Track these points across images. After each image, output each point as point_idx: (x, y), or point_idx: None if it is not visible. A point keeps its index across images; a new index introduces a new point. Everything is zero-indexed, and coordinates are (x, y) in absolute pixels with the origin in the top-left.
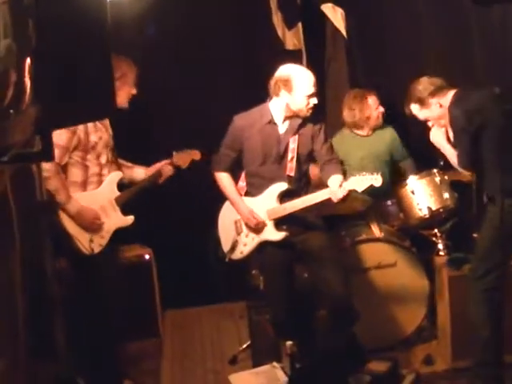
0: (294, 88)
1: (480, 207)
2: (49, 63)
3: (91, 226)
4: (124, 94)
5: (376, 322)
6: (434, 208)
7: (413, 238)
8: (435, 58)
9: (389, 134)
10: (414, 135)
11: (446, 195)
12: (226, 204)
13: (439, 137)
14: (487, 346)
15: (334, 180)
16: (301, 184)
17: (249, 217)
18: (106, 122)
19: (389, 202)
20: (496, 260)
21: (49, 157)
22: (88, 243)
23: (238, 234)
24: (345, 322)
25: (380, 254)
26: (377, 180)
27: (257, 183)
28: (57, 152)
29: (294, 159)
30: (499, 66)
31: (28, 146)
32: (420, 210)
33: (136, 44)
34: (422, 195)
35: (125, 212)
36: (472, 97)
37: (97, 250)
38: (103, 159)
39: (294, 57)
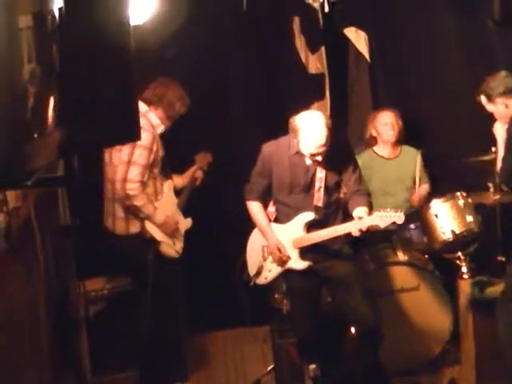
0: (300, 140)
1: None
2: (72, 88)
3: (174, 232)
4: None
5: (399, 345)
6: (457, 231)
7: (436, 261)
8: (457, 81)
9: (414, 157)
10: (438, 156)
11: (470, 218)
12: (257, 229)
13: (499, 133)
14: None
15: (359, 212)
16: (328, 213)
17: (274, 249)
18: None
19: (412, 226)
20: None
21: (72, 181)
22: (173, 247)
23: (264, 259)
24: (372, 346)
25: (403, 278)
26: (399, 218)
27: (284, 211)
28: (140, 171)
29: (322, 189)
30: None
31: (52, 170)
32: (443, 233)
33: (157, 66)
34: (445, 218)
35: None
36: None
37: (181, 252)
38: (161, 169)
39: (317, 80)
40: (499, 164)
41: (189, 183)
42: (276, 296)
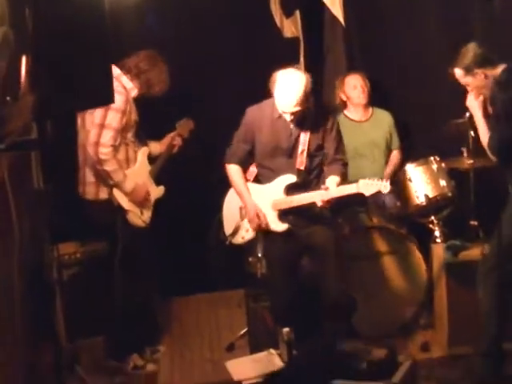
0: (276, 96)
1: (495, 200)
2: (46, 51)
3: (143, 201)
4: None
5: (373, 310)
6: (430, 195)
7: (410, 225)
8: (435, 45)
9: (387, 119)
10: (413, 121)
11: (443, 183)
12: (232, 189)
13: (475, 106)
14: (491, 335)
15: (329, 182)
16: (311, 178)
17: (253, 214)
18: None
19: (385, 190)
20: None
21: (45, 145)
22: (140, 216)
23: (242, 219)
24: (341, 315)
25: (378, 242)
26: (385, 187)
27: (266, 174)
28: (113, 134)
29: (305, 153)
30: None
31: (25, 133)
32: (417, 197)
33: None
34: (419, 183)
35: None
36: None
37: (147, 221)
38: (135, 135)
39: (291, 44)
40: (483, 136)
41: (166, 150)
42: (250, 260)
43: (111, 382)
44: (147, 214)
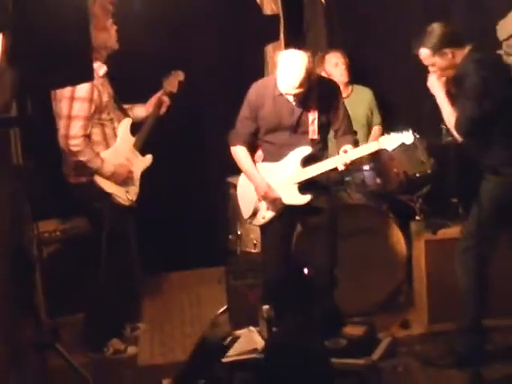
0: (277, 77)
1: (474, 177)
2: (25, 29)
3: (126, 180)
4: (114, 34)
5: (353, 287)
6: (410, 172)
7: (390, 203)
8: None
9: (367, 96)
10: (394, 98)
11: (423, 159)
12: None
13: (438, 86)
14: (471, 311)
15: (345, 147)
16: (322, 147)
17: (266, 190)
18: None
19: (366, 167)
20: (491, 230)
21: (25, 122)
22: (125, 195)
23: (260, 200)
24: (325, 291)
25: (358, 220)
26: (408, 137)
27: (269, 149)
28: (82, 124)
29: (316, 121)
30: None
31: (5, 110)
32: (397, 174)
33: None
34: (398, 160)
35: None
36: (498, 62)
37: (135, 198)
38: (111, 111)
39: (271, 22)
40: (448, 116)
41: (152, 113)
42: (230, 237)
43: (92, 359)
44: (133, 191)
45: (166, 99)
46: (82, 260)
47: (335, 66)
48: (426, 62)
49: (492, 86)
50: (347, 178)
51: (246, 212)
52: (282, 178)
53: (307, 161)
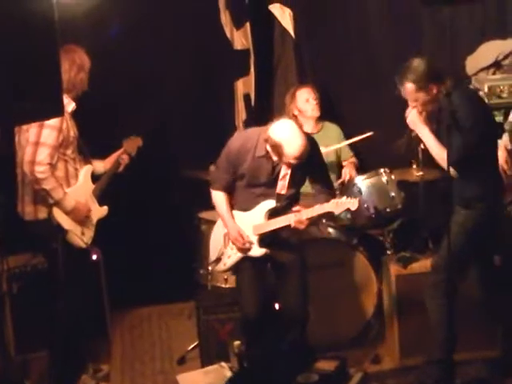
0: (284, 155)
1: (447, 210)
2: None
3: (85, 219)
4: (84, 79)
5: (324, 322)
6: (380, 207)
7: (360, 237)
8: (385, 55)
9: (335, 133)
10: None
11: (393, 195)
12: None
13: (418, 121)
14: (441, 345)
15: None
16: (291, 202)
17: (237, 237)
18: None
19: None
20: (461, 263)
21: None
22: (81, 236)
23: (225, 246)
24: (297, 329)
25: (327, 253)
26: (353, 204)
27: (246, 200)
28: (49, 152)
29: (287, 178)
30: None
31: None
32: (367, 209)
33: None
34: (368, 195)
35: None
36: (478, 95)
37: (89, 241)
38: (75, 151)
39: (242, 57)
40: (437, 151)
41: (110, 169)
42: (201, 272)
43: None
44: (89, 234)
45: (125, 158)
46: (50, 295)
47: (306, 102)
48: (409, 97)
49: (480, 117)
50: None
51: (212, 255)
52: (247, 229)
53: (273, 213)
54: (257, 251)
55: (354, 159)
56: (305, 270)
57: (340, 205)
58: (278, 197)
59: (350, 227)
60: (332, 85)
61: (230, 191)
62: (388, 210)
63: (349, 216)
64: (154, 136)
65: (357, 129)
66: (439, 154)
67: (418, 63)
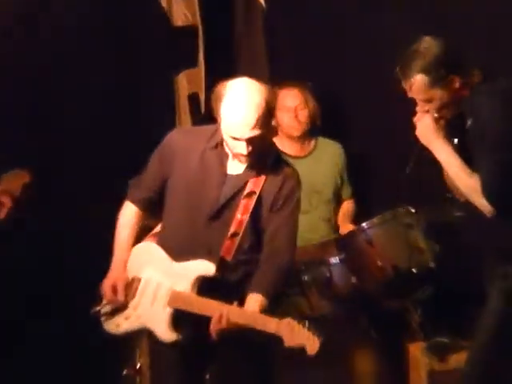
0: (223, 112)
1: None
2: None
3: None
4: None
5: None
6: (402, 267)
7: (372, 313)
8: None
9: (334, 155)
10: (369, 156)
11: (421, 246)
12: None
13: (433, 131)
14: None
15: (250, 301)
16: (238, 273)
17: (110, 286)
18: None
19: (333, 260)
20: (502, 356)
21: None
22: None
23: (132, 295)
24: None
25: (322, 340)
26: (313, 347)
27: (173, 243)
28: None
29: (244, 225)
30: None
31: None
32: (381, 269)
33: None
34: (383, 247)
35: None
36: None
37: None
38: None
39: (184, 37)
40: (464, 179)
41: None
42: (124, 373)
43: None
44: None
45: (6, 200)
46: None
47: (287, 112)
48: (419, 96)
49: None
50: (305, 278)
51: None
52: (161, 288)
53: (207, 284)
54: (164, 334)
55: (351, 204)
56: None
57: (296, 334)
58: (221, 262)
59: (354, 297)
60: (323, 82)
61: (150, 212)
62: (414, 270)
63: (353, 280)
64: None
65: (359, 146)
66: (466, 181)
67: (429, 44)
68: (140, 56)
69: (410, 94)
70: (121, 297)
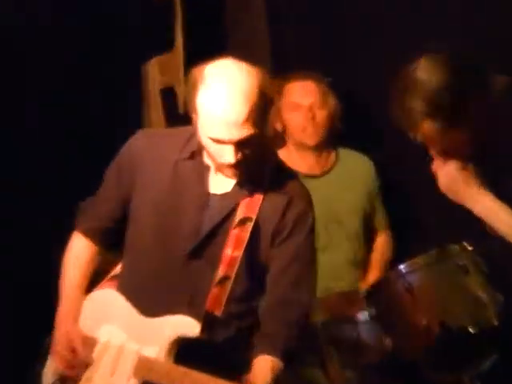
0: (200, 106)
1: None
2: None
3: None
4: None
5: None
6: (454, 325)
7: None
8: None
9: (362, 173)
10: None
11: (481, 298)
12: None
13: (463, 183)
14: None
15: (257, 368)
16: (229, 330)
17: (63, 346)
18: None
19: (361, 317)
20: None
21: None
22: None
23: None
24: None
25: None
26: None
27: (137, 291)
28: None
29: (236, 265)
30: None
31: None
32: (426, 329)
33: None
34: (429, 299)
35: None
36: None
37: None
38: None
39: (161, 14)
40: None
41: None
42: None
43: None
44: None
45: None
46: None
47: (297, 111)
48: (433, 144)
49: None
50: (323, 340)
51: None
52: (121, 354)
53: (189, 348)
54: None
55: (387, 239)
56: None
57: None
58: (209, 317)
59: (389, 365)
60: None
61: (107, 246)
62: (471, 329)
63: (388, 341)
64: None
65: (392, 159)
66: None
67: (428, 76)
68: (100, 36)
69: (420, 140)
70: (83, 357)
